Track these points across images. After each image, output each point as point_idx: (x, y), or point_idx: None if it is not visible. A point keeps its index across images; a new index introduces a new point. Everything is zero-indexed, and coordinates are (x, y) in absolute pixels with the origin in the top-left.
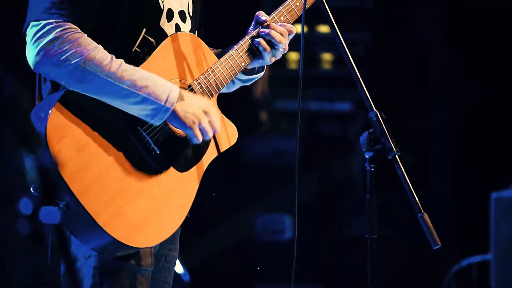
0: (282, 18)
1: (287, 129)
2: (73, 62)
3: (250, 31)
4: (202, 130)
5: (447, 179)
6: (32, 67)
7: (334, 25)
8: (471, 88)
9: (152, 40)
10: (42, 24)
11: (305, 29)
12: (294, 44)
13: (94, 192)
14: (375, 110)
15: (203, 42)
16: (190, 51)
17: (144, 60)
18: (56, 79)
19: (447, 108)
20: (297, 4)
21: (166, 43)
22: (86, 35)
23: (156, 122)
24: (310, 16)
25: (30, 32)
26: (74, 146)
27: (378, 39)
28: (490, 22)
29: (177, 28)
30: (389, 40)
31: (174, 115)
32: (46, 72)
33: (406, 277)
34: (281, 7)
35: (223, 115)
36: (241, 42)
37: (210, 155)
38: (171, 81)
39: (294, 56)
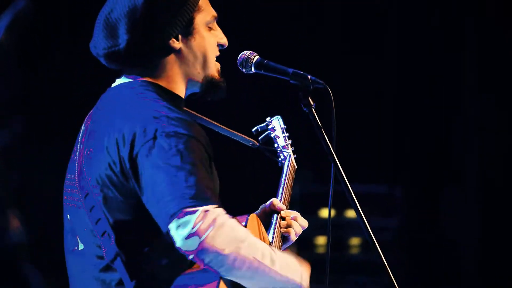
0: (286, 197)
1: None
2: (234, 249)
3: (273, 218)
4: None
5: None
6: (193, 255)
7: (358, 208)
8: None
9: None
10: (200, 211)
11: (332, 213)
12: (321, 229)
13: None
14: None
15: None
16: (259, 227)
17: None
18: (215, 267)
19: None
20: (291, 183)
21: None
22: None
23: None
24: (337, 201)
25: (186, 221)
26: None
27: (407, 225)
28: None
29: None
30: (418, 226)
31: None
32: (210, 259)
33: None
34: (283, 187)
35: None
36: (273, 232)
37: None
38: None
39: (321, 240)
